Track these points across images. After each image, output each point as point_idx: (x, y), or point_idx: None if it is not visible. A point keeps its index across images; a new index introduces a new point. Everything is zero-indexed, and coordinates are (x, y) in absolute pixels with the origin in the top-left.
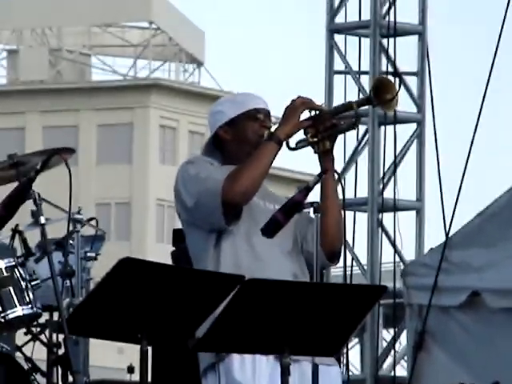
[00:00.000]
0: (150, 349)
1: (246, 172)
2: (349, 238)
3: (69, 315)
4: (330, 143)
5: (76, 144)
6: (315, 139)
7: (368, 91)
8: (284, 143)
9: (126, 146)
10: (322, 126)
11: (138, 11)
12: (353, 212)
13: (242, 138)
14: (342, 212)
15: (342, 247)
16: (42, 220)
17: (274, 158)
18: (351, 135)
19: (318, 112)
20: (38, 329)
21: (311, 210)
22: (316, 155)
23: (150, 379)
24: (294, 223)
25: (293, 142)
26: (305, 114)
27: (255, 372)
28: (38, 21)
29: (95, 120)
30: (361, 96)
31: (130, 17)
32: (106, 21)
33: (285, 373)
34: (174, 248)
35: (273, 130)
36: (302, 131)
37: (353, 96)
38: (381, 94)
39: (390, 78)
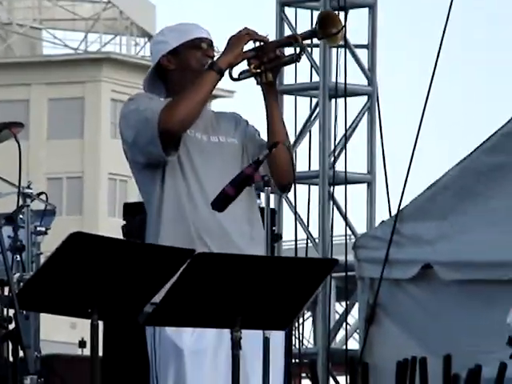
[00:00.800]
0: (101, 323)
1: (183, 100)
2: (302, 211)
3: (19, 290)
4: (272, 75)
5: (27, 118)
6: (258, 70)
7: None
8: (227, 73)
9: (77, 121)
10: (266, 57)
11: None
12: (307, 185)
13: (184, 67)
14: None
15: (293, 175)
16: None
17: (213, 87)
18: (302, 108)
19: (262, 43)
20: None
21: (262, 183)
22: (259, 87)
23: (100, 354)
24: (241, 148)
25: (236, 72)
26: (250, 46)
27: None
28: None
29: (46, 94)
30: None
31: None
32: None
33: (236, 347)
34: (124, 222)
35: (215, 59)
36: (246, 62)
37: (303, 67)
38: (326, 27)
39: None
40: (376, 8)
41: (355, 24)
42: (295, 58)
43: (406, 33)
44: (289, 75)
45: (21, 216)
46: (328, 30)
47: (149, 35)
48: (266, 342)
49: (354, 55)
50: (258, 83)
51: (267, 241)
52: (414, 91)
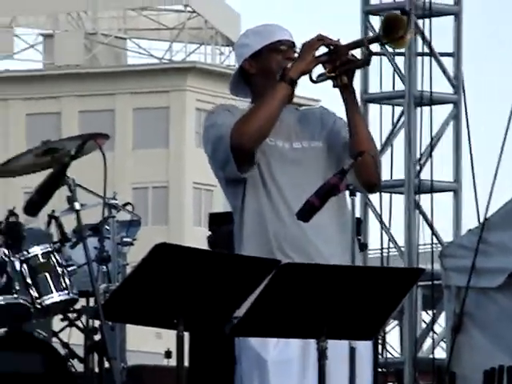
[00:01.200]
0: (187, 334)
1: (253, 115)
2: (385, 219)
3: (105, 301)
4: (347, 77)
5: (112, 128)
6: (332, 74)
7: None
8: (308, 76)
9: (162, 130)
10: (339, 61)
11: None
12: (389, 194)
13: (266, 71)
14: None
15: (380, 177)
16: (77, 206)
17: (286, 98)
18: (387, 117)
19: (333, 47)
20: (75, 315)
21: (347, 192)
22: (337, 89)
23: (187, 364)
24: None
25: (315, 75)
26: (323, 50)
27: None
28: (74, 5)
29: (131, 104)
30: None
31: (166, 0)
32: (141, 4)
33: (322, 357)
34: (210, 232)
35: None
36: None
37: (387, 79)
38: (392, 31)
39: (401, 16)
40: (461, 16)
41: (440, 32)
42: (365, 62)
43: (490, 40)
44: (374, 84)
45: (107, 227)
46: (393, 34)
47: (234, 44)
48: (353, 352)
49: (439, 63)
50: (334, 86)
51: (353, 250)
52: (500, 99)
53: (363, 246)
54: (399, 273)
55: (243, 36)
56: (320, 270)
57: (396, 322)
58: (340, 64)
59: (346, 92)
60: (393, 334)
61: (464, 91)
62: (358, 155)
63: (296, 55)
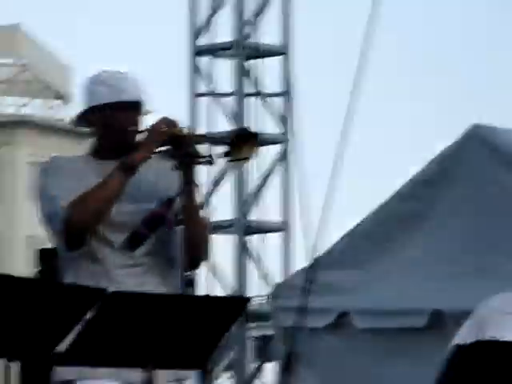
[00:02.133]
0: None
1: (88, 205)
2: (218, 263)
3: None
4: (187, 169)
5: None
6: (173, 158)
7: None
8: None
9: None
10: (180, 151)
11: (3, 47)
12: (218, 235)
13: (106, 127)
14: (207, 225)
15: (206, 257)
16: None
17: (123, 186)
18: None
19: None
20: None
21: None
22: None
23: None
24: None
25: None
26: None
27: None
28: None
29: None
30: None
31: None
32: None
33: None
34: (39, 268)
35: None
36: None
37: (216, 118)
38: (239, 149)
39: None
40: (289, 55)
41: (269, 72)
42: (208, 162)
43: (319, 78)
44: (202, 125)
45: None
46: (240, 152)
47: (64, 98)
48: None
49: (267, 104)
50: (174, 168)
51: (182, 275)
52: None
53: (190, 282)
54: (226, 301)
55: (92, 81)
56: (147, 299)
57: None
58: (182, 154)
59: (188, 171)
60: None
61: (293, 131)
62: (185, 185)
63: (143, 117)
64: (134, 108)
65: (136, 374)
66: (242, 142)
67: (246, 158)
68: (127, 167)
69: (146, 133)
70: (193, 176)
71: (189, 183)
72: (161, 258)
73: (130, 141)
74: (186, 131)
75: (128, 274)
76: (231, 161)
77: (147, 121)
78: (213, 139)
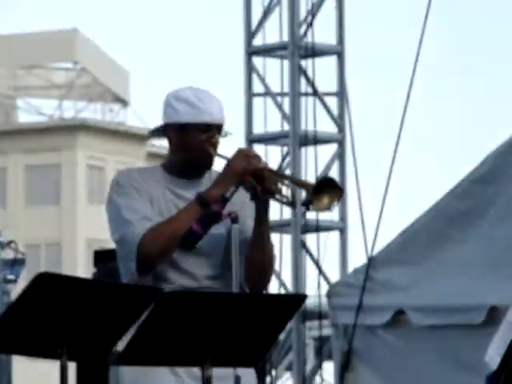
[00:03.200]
0: (73, 364)
1: (163, 236)
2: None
3: None
4: (264, 205)
5: (4, 186)
6: (251, 192)
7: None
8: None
9: (54, 187)
10: (260, 187)
11: (62, 52)
12: (279, 234)
13: (184, 145)
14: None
15: (268, 285)
16: None
17: (196, 219)
18: (273, 156)
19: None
20: None
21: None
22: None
23: None
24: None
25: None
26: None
27: None
28: None
29: (23, 162)
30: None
31: (55, 58)
32: (31, 62)
33: None
34: (95, 269)
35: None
36: None
37: (273, 119)
38: (322, 194)
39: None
40: (344, 55)
41: (324, 71)
42: (290, 203)
43: (375, 78)
44: (258, 124)
45: None
46: (323, 198)
47: (123, 101)
48: (238, 381)
49: (323, 103)
50: (251, 198)
51: (234, 280)
52: (385, 136)
53: None
54: (282, 299)
55: (175, 98)
56: (202, 298)
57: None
58: (262, 191)
59: (261, 204)
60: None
61: (351, 130)
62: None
63: (222, 139)
64: (213, 130)
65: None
66: (324, 192)
67: (327, 208)
68: (204, 202)
69: (225, 167)
70: (268, 207)
71: (265, 212)
72: (225, 281)
73: (206, 162)
74: (266, 167)
75: None
76: (310, 209)
77: (224, 146)
78: (294, 180)
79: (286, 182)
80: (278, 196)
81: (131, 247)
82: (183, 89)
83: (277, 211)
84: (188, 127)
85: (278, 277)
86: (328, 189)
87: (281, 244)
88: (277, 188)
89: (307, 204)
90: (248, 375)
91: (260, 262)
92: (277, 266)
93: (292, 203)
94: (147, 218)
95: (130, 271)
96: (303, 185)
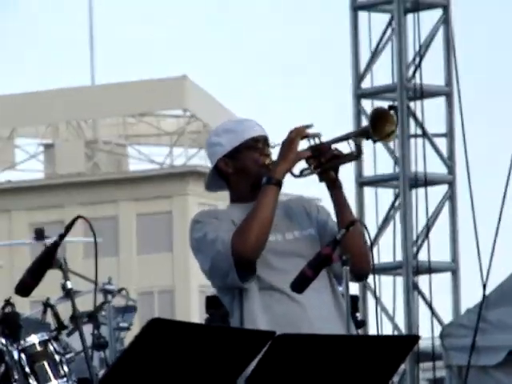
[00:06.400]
0: None
1: (251, 226)
2: (388, 302)
3: (101, 378)
4: (334, 173)
5: (116, 234)
6: (318, 170)
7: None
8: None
9: (166, 235)
10: (323, 158)
11: (171, 99)
12: (392, 276)
13: (243, 169)
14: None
15: (370, 264)
16: (69, 285)
17: (276, 200)
18: (384, 198)
19: (315, 139)
20: None
21: (339, 263)
22: (322, 183)
23: None
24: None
25: (297, 169)
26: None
27: None
28: (73, 114)
29: (134, 210)
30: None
31: (165, 105)
32: (141, 110)
33: None
34: (207, 315)
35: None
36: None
37: (382, 161)
38: (379, 125)
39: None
40: (453, 96)
41: (432, 113)
42: (355, 156)
43: (483, 121)
44: (368, 167)
45: (103, 313)
46: (381, 129)
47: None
48: None
49: (432, 144)
50: (320, 181)
51: (348, 321)
52: (492, 178)
53: (361, 323)
54: (395, 340)
55: (214, 135)
56: (315, 341)
57: None
58: (325, 161)
59: (334, 185)
60: None
61: (468, 171)
62: (350, 224)
63: (272, 150)
64: (261, 143)
65: None
66: (381, 121)
67: (391, 134)
68: (276, 181)
69: (281, 145)
70: (339, 179)
71: (339, 187)
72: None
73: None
74: (318, 135)
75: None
76: (376, 141)
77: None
78: (347, 135)
79: (341, 140)
80: (341, 157)
81: (226, 257)
82: (217, 126)
83: (389, 254)
84: (238, 151)
85: (392, 319)
86: (384, 117)
87: (394, 286)
88: (338, 150)
89: (369, 139)
90: None
91: (353, 243)
92: (390, 309)
93: (357, 156)
94: (231, 230)
95: (232, 293)
96: (361, 131)
